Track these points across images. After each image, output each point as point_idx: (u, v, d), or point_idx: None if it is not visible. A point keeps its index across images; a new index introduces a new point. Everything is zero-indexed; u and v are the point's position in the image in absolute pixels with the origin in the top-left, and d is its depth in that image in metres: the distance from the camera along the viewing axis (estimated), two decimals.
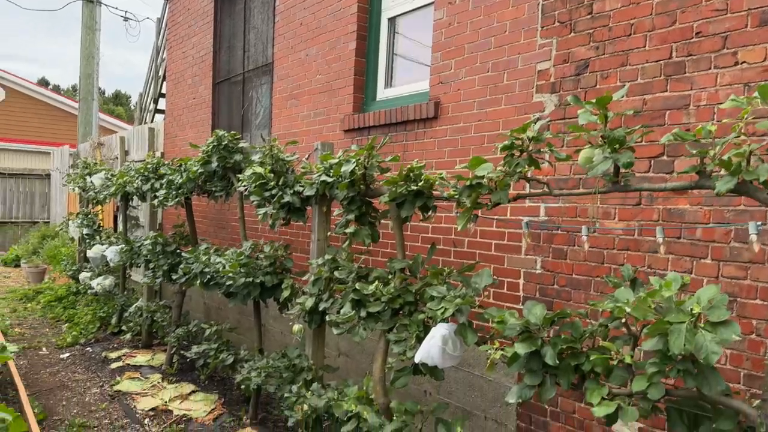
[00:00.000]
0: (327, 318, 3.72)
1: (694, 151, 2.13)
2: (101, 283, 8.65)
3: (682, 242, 3.11)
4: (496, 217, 4.02)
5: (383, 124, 5.07)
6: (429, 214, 3.39)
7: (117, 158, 10.59)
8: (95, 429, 5.32)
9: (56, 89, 50.97)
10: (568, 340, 2.49)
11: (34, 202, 19.36)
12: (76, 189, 9.97)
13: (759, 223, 2.09)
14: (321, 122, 5.96)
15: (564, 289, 3.67)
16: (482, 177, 2.82)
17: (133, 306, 7.69)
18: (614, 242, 3.42)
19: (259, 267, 4.79)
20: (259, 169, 4.33)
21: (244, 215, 5.55)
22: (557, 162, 3.64)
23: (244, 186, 4.65)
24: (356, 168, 3.57)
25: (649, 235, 3.24)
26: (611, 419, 2.29)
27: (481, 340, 3.01)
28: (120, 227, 8.65)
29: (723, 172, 2.08)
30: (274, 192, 4.28)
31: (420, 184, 3.19)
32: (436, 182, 3.15)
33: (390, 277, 3.55)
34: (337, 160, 3.71)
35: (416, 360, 3.07)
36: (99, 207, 10.35)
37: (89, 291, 9.08)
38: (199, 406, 5.80)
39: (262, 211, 4.34)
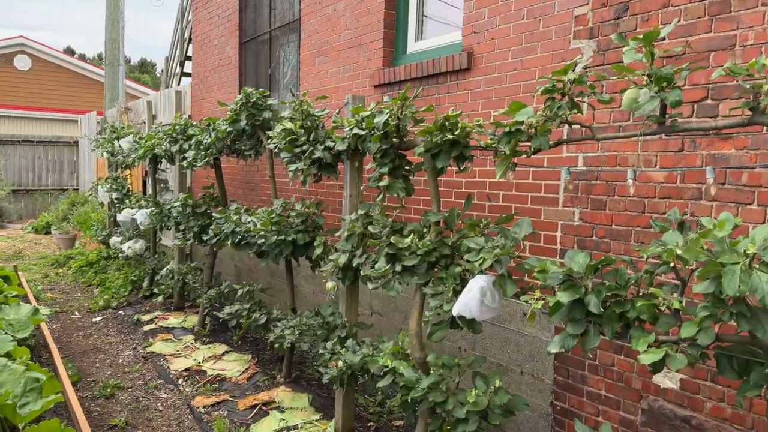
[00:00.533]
0: (361, 273, 3.71)
1: (748, 86, 2.05)
2: (132, 246, 8.76)
3: (727, 188, 3.02)
4: (532, 167, 3.96)
5: (414, 77, 4.99)
6: (465, 165, 3.33)
7: (144, 123, 10.65)
8: (129, 389, 5.43)
9: (82, 58, 51.28)
10: (613, 287, 2.44)
11: (63, 170, 19.63)
12: (105, 154, 10.06)
13: None
14: (350, 78, 5.90)
15: (603, 240, 3.61)
16: (522, 122, 2.76)
17: (165, 269, 7.78)
18: (655, 190, 3.34)
19: (291, 225, 4.79)
20: (289, 125, 4.30)
21: (274, 174, 5.54)
22: (599, 107, 3.56)
23: (275, 143, 4.63)
24: (389, 119, 3.52)
25: (692, 181, 3.15)
26: (657, 367, 2.26)
27: (521, 292, 2.97)
28: (149, 191, 8.72)
29: None
30: (304, 148, 4.25)
31: (456, 133, 3.14)
32: (474, 130, 3.09)
33: (425, 230, 3.52)
34: (369, 113, 3.67)
35: (454, 313, 3.05)
36: (128, 171, 10.44)
37: (120, 255, 9.22)
38: (233, 365, 5.88)
39: (292, 167, 4.32)
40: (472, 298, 2.96)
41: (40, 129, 22.39)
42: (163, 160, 7.87)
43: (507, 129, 2.81)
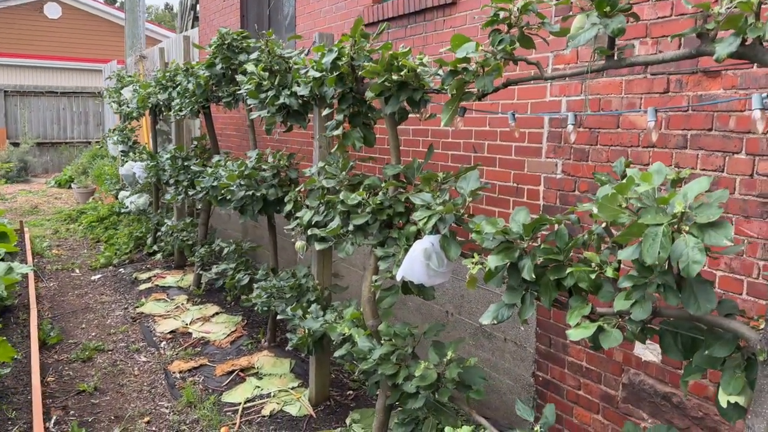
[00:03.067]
0: (309, 232, 3.55)
1: (690, 6, 1.76)
2: (135, 201, 8.77)
3: (713, 135, 2.71)
4: (517, 114, 3.68)
5: (402, 14, 4.71)
6: (422, 110, 3.09)
7: (159, 71, 10.58)
8: (109, 352, 5.44)
9: (110, 2, 51.66)
10: (550, 250, 2.21)
11: (88, 122, 19.89)
12: (113, 105, 10.05)
13: (765, 95, 1.72)
14: (342, 17, 5.64)
15: (585, 195, 3.34)
16: (467, 60, 2.51)
17: (164, 226, 7.77)
18: (639, 138, 3.04)
19: (264, 179, 4.63)
20: (251, 68, 4.10)
21: (253, 123, 5.37)
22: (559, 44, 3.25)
23: (246, 89, 4.45)
24: (341, 59, 3.29)
25: (677, 127, 2.85)
26: (595, 344, 2.03)
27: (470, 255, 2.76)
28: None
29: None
30: (269, 93, 4.06)
31: (403, 73, 2.89)
32: (418, 69, 2.84)
33: (383, 185, 3.31)
34: (323, 53, 3.44)
35: (398, 277, 2.86)
36: (137, 123, 10.43)
37: (122, 210, 9.27)
38: (219, 328, 5.83)
39: (255, 114, 4.14)
40: (416, 261, 2.76)
41: (65, 79, 22.64)
42: (164, 110, 7.79)
43: (451, 68, 2.56)
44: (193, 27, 12.11)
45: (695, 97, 2.80)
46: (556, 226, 2.29)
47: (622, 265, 2.02)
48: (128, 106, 8.89)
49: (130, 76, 9.94)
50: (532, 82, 2.69)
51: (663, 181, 1.73)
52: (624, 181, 1.71)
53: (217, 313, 6.22)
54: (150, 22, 25.20)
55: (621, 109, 3.11)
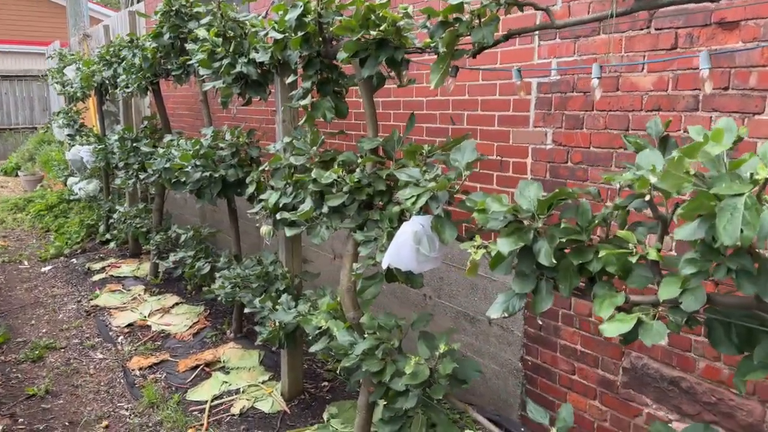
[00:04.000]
0: (277, 216, 3.14)
1: None
2: (84, 188, 8.21)
3: (731, 94, 2.39)
4: (499, 81, 3.32)
5: None
6: (404, 74, 2.71)
7: (103, 47, 9.93)
8: (62, 350, 4.96)
9: None
10: (572, 230, 1.85)
11: (33, 107, 18.91)
12: (56, 86, 9.39)
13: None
14: None
15: (579, 167, 3.00)
16: (460, 7, 2.13)
17: (117, 212, 7.24)
18: (642, 102, 2.71)
19: (222, 159, 4.19)
20: (203, 33, 3.64)
21: (207, 98, 4.90)
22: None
23: (197, 59, 3.98)
24: (307, 15, 2.86)
25: (687, 87, 2.52)
26: (629, 338, 1.69)
27: (468, 236, 2.39)
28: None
29: None
30: (224, 62, 3.61)
31: (382, 28, 2.49)
32: (401, 22, 2.44)
33: (360, 161, 2.92)
34: (284, 10, 3.00)
35: (383, 264, 2.48)
36: (83, 105, 9.78)
37: (71, 198, 8.68)
38: (180, 320, 5.39)
39: (208, 86, 3.69)
40: (404, 245, 2.38)
41: (8, 63, 21.50)
42: (110, 88, 7.21)
43: (441, 18, 2.18)
44: (138, 2, 11.43)
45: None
46: (572, 201, 1.94)
47: (659, 245, 1.68)
48: (72, 86, 8.27)
49: (72, 55, 9.27)
50: (531, 35, 2.32)
51: (734, 140, 1.38)
52: (694, 142, 1.35)
53: (177, 304, 5.77)
54: (95, 3, 24.07)
55: (607, 59, 2.77)
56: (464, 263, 3.63)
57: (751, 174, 1.34)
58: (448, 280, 3.88)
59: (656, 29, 2.62)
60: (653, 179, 1.45)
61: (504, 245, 1.85)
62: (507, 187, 3.39)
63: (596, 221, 1.85)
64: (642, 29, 2.67)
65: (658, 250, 1.64)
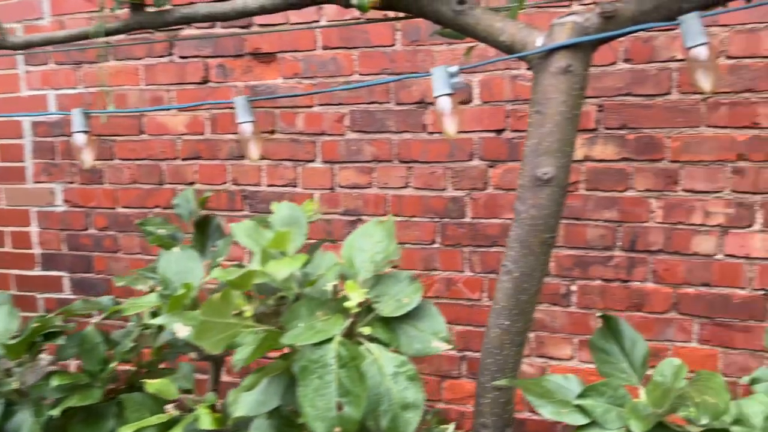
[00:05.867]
0: None
1: None
2: None
3: (280, 138, 1.91)
4: None
5: None
6: None
7: None
8: None
9: None
10: (76, 384, 1.09)
11: None
12: None
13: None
14: None
15: (107, 234, 2.24)
16: None
17: None
18: (176, 148, 2.09)
19: None
20: None
21: None
22: None
23: None
24: None
25: (229, 131, 1.98)
26: None
27: None
28: None
29: None
30: None
31: None
32: None
33: None
34: None
35: None
36: None
37: None
38: None
39: None
40: None
41: None
42: None
43: None
44: None
45: (247, 87, 1.95)
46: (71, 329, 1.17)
47: None
48: None
49: None
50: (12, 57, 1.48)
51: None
52: (246, 269, 0.73)
53: None
54: None
55: (142, 106, 2.09)
56: None
57: (339, 295, 0.78)
58: None
59: (181, 57, 2.01)
60: (184, 332, 0.81)
61: None
62: (8, 269, 2.43)
63: (116, 360, 1.13)
64: (163, 56, 2.03)
65: (213, 408, 0.99)
